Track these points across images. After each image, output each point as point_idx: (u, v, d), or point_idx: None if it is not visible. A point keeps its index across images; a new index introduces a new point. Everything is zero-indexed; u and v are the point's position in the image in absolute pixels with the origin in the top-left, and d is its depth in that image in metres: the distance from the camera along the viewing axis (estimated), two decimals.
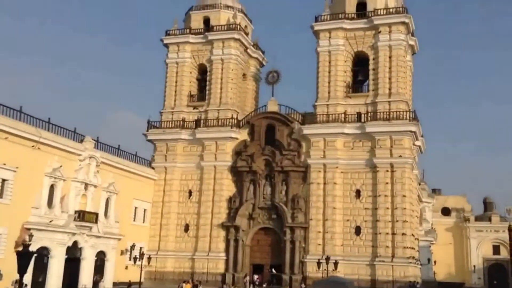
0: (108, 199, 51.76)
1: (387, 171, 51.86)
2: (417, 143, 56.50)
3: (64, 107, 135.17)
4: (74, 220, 45.73)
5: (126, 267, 53.89)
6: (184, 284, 47.72)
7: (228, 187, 57.11)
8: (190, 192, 58.68)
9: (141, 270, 45.74)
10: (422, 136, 57.83)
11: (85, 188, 47.63)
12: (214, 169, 57.62)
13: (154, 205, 58.98)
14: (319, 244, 52.53)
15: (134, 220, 56.92)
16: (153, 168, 59.85)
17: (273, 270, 53.03)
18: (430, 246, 69.30)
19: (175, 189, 58.93)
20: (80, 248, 47.58)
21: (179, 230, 58.27)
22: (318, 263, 47.59)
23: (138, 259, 46.68)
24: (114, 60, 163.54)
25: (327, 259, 44.61)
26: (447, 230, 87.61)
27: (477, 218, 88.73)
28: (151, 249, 57.72)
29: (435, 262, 77.81)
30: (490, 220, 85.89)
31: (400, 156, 51.60)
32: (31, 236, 40.14)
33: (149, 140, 60.58)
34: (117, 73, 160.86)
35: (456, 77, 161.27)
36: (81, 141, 48.08)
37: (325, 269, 49.00)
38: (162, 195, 58.99)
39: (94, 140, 49.96)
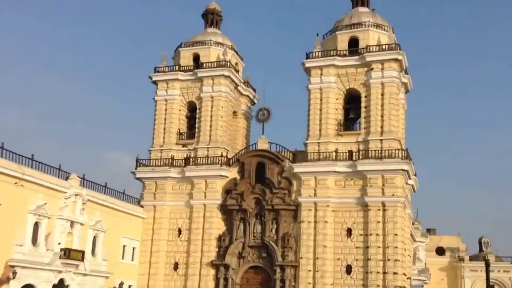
0: (95, 237, 51.01)
1: (379, 209, 51.32)
2: (410, 182, 56.15)
3: (49, 148, 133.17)
4: (60, 257, 44.92)
5: None
6: None
7: (217, 226, 56.38)
8: (179, 231, 57.91)
9: None
10: (415, 175, 57.52)
11: (71, 226, 46.82)
12: (203, 208, 56.98)
13: (143, 243, 58.15)
14: (310, 283, 51.60)
15: (122, 258, 56.06)
16: (142, 206, 59.21)
17: None
18: (423, 286, 68.26)
19: (164, 227, 58.15)
20: (67, 286, 46.60)
21: (168, 269, 57.31)
22: None
23: None
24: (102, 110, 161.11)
25: None
26: (441, 269, 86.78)
27: (472, 258, 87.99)
28: (140, 287, 56.81)
29: None
30: (485, 259, 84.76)
31: (393, 195, 51.11)
32: (14, 273, 39.53)
33: (138, 178, 60.03)
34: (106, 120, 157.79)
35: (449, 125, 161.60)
36: (67, 179, 47.54)
37: None
38: (151, 233, 58.21)
39: (80, 177, 49.47)
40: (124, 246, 56.34)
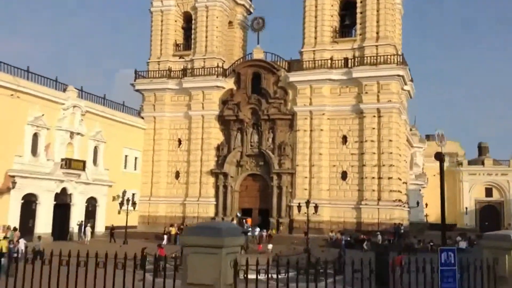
0: (96, 148, 52.47)
1: (374, 116, 51.85)
2: (406, 87, 56.28)
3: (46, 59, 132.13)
4: (61, 167, 46.46)
5: (119, 212, 55.07)
6: (171, 228, 48.64)
7: (216, 136, 57.45)
8: (179, 141, 59.13)
9: (127, 215, 46.54)
10: (411, 81, 57.53)
11: (71, 137, 48.12)
12: (201, 118, 57.81)
13: (145, 153, 59.63)
14: (306, 189, 53.17)
15: (125, 168, 57.74)
16: (142, 117, 60.11)
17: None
18: (420, 190, 69.95)
19: (165, 138, 59.37)
20: (70, 194, 48.64)
21: (170, 177, 59.11)
22: (298, 207, 48.18)
23: (124, 204, 47.60)
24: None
25: (307, 202, 45.03)
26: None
27: (471, 162, 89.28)
28: (143, 195, 59.02)
29: (426, 205, 78.75)
30: (483, 163, 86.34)
31: (388, 101, 51.46)
32: (14, 183, 41.11)
33: (137, 90, 60.53)
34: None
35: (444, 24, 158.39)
36: (64, 90, 48.21)
37: (305, 213, 50.19)
38: (152, 144, 59.52)
39: (78, 89, 50.11)
40: (126, 156, 57.88)
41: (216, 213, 56.01)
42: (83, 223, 47.42)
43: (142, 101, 60.84)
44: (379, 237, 42.89)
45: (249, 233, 47.20)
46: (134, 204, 47.94)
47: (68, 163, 46.95)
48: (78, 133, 48.84)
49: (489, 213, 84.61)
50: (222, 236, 9.33)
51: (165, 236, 46.03)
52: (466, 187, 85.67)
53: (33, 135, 44.34)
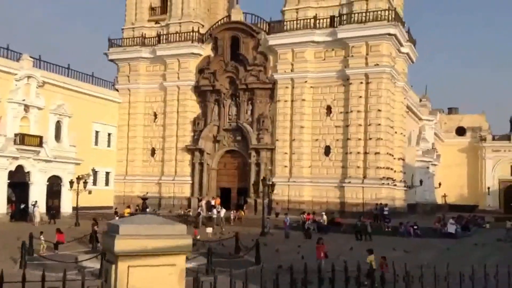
0: (59, 122, 48.43)
1: (361, 83, 45.81)
2: (403, 49, 49.70)
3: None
4: (15, 143, 42.62)
5: (90, 192, 51.40)
6: (126, 209, 44.19)
7: (192, 109, 52.57)
8: (155, 115, 54.58)
9: (77, 195, 42.21)
10: (409, 41, 50.56)
11: (26, 110, 44.17)
12: (177, 90, 52.94)
13: (120, 128, 55.37)
14: (286, 166, 47.87)
15: (96, 144, 53.64)
16: (117, 90, 55.71)
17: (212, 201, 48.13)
18: (428, 167, 63.32)
19: (140, 112, 54.93)
20: (28, 172, 44.83)
21: (145, 154, 54.83)
22: (270, 185, 42.38)
23: (87, 184, 43.56)
24: None
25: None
26: (460, 150, 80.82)
27: (499, 138, 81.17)
28: (118, 173, 55.11)
29: (440, 184, 72.15)
30: (509, 139, 78.36)
31: (376, 64, 45.24)
32: None
33: (111, 60, 56.01)
34: None
35: None
36: (18, 60, 44.16)
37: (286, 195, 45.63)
38: (127, 118, 55.23)
39: (34, 58, 46.05)
40: (97, 132, 53.68)
41: (192, 193, 51.37)
42: (37, 203, 43.51)
43: (117, 72, 56.34)
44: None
45: (214, 215, 42.99)
46: (85, 183, 43.50)
47: (21, 139, 43.07)
48: (34, 106, 44.84)
49: None
50: None
51: (116, 218, 41.52)
52: (489, 165, 77.83)
53: None
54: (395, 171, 48.23)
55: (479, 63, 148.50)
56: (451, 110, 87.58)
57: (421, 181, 58.34)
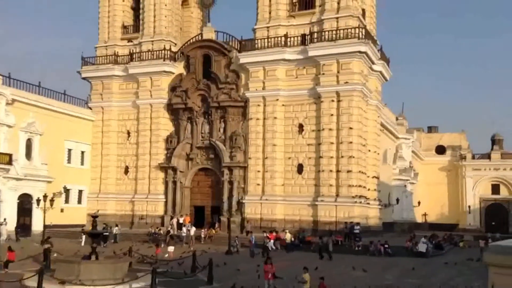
0: (30, 140, 47.94)
1: (333, 101, 45.52)
2: (376, 67, 49.55)
3: None
4: None
5: (62, 210, 50.96)
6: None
7: (165, 126, 52.14)
8: (128, 133, 54.11)
9: (44, 212, 41.51)
10: (382, 60, 50.41)
11: None
12: (150, 108, 52.56)
13: (93, 146, 54.90)
14: (258, 184, 47.37)
15: (68, 162, 53.07)
16: (90, 108, 55.25)
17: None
18: (405, 186, 63.05)
19: (113, 130, 54.44)
20: None
21: (119, 173, 54.24)
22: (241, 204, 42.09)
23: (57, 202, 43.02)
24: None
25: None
26: (441, 169, 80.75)
27: (480, 157, 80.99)
28: (92, 191, 54.49)
29: (419, 203, 72.14)
30: (490, 157, 78.32)
31: (346, 82, 45.10)
32: None
33: (84, 78, 55.62)
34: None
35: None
36: None
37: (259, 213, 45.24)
38: (100, 136, 54.74)
39: (3, 76, 45.68)
40: (69, 150, 53.17)
41: (165, 211, 50.72)
42: (6, 221, 42.74)
43: (90, 90, 55.89)
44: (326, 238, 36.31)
45: (183, 233, 42.46)
46: (52, 201, 42.83)
47: None
48: (4, 124, 44.38)
49: (496, 212, 76.45)
50: None
51: (83, 236, 40.81)
52: (470, 183, 77.57)
53: None
54: (369, 189, 47.84)
55: (457, 82, 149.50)
56: (430, 129, 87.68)
57: (397, 200, 57.99)
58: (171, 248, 31.34)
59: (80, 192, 54.31)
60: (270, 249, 35.54)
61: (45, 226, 42.45)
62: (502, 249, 7.52)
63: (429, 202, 75.11)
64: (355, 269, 26.72)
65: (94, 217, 23.36)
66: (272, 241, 37.07)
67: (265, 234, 37.93)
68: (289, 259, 31.32)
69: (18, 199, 46.34)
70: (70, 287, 18.04)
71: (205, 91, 49.77)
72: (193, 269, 23.31)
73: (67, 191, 51.69)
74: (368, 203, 46.61)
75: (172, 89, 51.57)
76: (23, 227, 46.16)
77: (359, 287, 21.19)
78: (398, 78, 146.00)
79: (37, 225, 47.33)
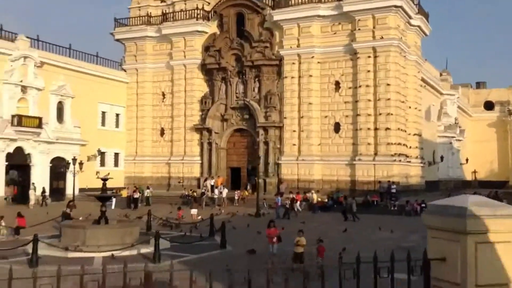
0: (61, 103, 48.00)
1: (369, 56, 43.75)
2: (414, 22, 47.32)
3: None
4: (12, 125, 42.33)
5: (97, 173, 51.13)
6: (123, 190, 43.40)
7: (199, 87, 51.41)
8: (163, 94, 53.55)
9: (74, 175, 41.79)
10: (419, 14, 47.95)
11: (23, 91, 43.75)
12: (184, 68, 51.77)
13: (128, 109, 54.71)
14: (294, 145, 46.39)
15: (102, 125, 53.14)
16: (124, 70, 54.96)
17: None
18: (451, 143, 60.75)
19: (148, 92, 54.01)
20: (28, 154, 44.63)
21: (155, 135, 54.03)
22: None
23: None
24: None
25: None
26: (489, 125, 77.61)
27: None
28: (128, 154, 54.52)
29: (467, 160, 69.58)
30: None
31: (381, 37, 43.14)
32: None
33: (118, 40, 55.16)
34: None
35: None
36: (13, 40, 43.69)
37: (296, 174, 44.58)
38: (135, 98, 54.38)
39: (31, 38, 45.56)
40: (103, 112, 53.15)
41: (201, 173, 50.44)
42: (34, 185, 43.23)
43: (124, 52, 55.50)
44: (350, 199, 35.12)
45: (215, 196, 42.18)
46: (81, 164, 43.03)
47: (19, 120, 42.74)
48: (33, 87, 44.41)
49: None
50: None
51: (113, 199, 40.95)
52: None
53: None
54: (410, 147, 46.30)
55: (503, 36, 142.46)
56: (478, 85, 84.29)
57: (441, 157, 55.95)
58: (194, 211, 30.88)
59: (116, 155, 54.45)
60: (296, 210, 34.78)
61: (73, 190, 42.70)
62: (440, 209, 6.41)
63: (478, 159, 72.51)
64: (381, 229, 25.68)
65: (104, 180, 23.00)
66: (298, 202, 36.24)
67: (291, 195, 37.07)
68: (315, 221, 30.50)
69: (51, 163, 46.47)
70: (72, 253, 17.57)
71: (238, 50, 48.62)
72: (211, 232, 22.68)
73: (102, 154, 51.98)
74: (409, 162, 45.10)
75: (206, 49, 50.62)
76: (57, 191, 46.64)
77: (378, 248, 19.92)
78: (441, 33, 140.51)
79: (70, 189, 47.65)
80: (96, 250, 17.87)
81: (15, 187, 44.35)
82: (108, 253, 17.62)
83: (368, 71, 43.64)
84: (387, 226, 26.48)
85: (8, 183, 44.25)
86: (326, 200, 38.79)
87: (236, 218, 30.81)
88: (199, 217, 29.36)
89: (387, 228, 25.67)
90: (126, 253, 18.06)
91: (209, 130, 49.76)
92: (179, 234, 23.70)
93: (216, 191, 41.98)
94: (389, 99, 42.95)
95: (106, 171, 51.69)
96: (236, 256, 18.22)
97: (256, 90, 48.46)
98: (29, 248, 16.84)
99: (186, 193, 43.80)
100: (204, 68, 50.81)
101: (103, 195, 22.34)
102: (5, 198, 42.79)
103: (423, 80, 51.49)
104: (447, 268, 6.12)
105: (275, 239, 17.64)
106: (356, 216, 31.05)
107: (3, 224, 23.10)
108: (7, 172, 44.39)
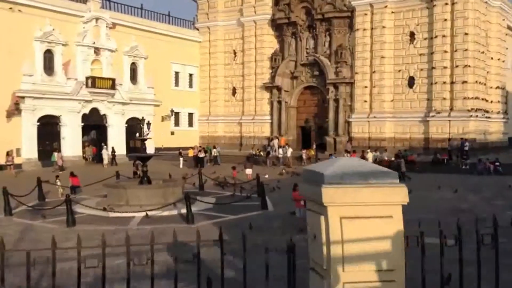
0: (134, 64, 48.79)
1: (446, 4, 40.73)
2: None
3: None
4: (86, 86, 43.50)
5: (172, 133, 52.17)
6: (189, 150, 43.48)
7: (270, 44, 50.36)
8: (234, 53, 53.06)
9: (142, 134, 42.08)
10: None
11: (96, 53, 44.67)
12: (254, 25, 50.83)
13: (202, 69, 54.82)
14: (366, 101, 44.53)
15: (176, 85, 53.58)
16: (197, 29, 54.87)
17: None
18: None
19: (220, 51, 53.72)
20: (104, 115, 45.89)
21: (227, 94, 53.88)
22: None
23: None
24: None
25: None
26: None
27: None
28: (202, 114, 54.91)
29: None
30: None
31: None
32: (17, 104, 38.86)
33: None
34: None
35: None
36: (85, 2, 44.51)
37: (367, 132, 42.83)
38: (208, 58, 54.34)
39: None
40: (176, 72, 53.54)
41: (271, 132, 49.84)
42: (104, 146, 44.36)
43: (196, 10, 55.29)
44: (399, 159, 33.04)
45: (280, 155, 41.46)
46: (149, 124, 43.25)
47: (93, 82, 43.83)
48: (105, 49, 45.26)
49: None
50: None
51: (181, 158, 41.25)
52: None
53: (45, 52, 41.36)
54: (491, 102, 43.25)
55: None
56: None
57: None
58: (248, 171, 30.21)
59: (191, 115, 54.94)
60: None
61: (143, 150, 43.10)
62: (311, 177, 5.10)
63: None
64: (441, 189, 23.82)
65: (143, 140, 22.87)
66: None
67: (345, 155, 35.46)
68: None
69: (127, 123, 47.50)
70: (114, 213, 17.57)
71: (308, 3, 46.94)
72: (259, 193, 21.94)
73: (176, 114, 52.53)
74: (489, 117, 42.08)
75: (276, 3, 49.35)
76: (133, 150, 47.57)
77: (429, 209, 18.17)
78: None
79: (147, 148, 48.69)
80: (139, 209, 17.86)
81: (94, 147, 45.74)
82: (149, 213, 17.56)
83: (445, 19, 40.69)
84: (451, 186, 24.51)
85: (88, 143, 45.84)
86: (393, 159, 36.76)
87: (293, 179, 29.90)
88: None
89: (451, 189, 23.72)
90: (166, 213, 18.06)
91: (279, 88, 48.81)
92: (227, 194, 23.44)
93: (280, 150, 41.23)
94: (466, 49, 39.94)
95: (181, 131, 52.74)
96: (274, 217, 17.52)
97: (327, 44, 46.76)
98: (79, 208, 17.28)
99: (254, 153, 43.42)
100: (274, 24, 49.62)
101: (143, 155, 22.26)
102: (85, 158, 44.37)
103: (509, 28, 47.52)
104: (315, 246, 5.02)
105: (302, 202, 15.83)
106: (406, 175, 28.87)
107: (58, 183, 23.56)
108: (88, 133, 46.03)
